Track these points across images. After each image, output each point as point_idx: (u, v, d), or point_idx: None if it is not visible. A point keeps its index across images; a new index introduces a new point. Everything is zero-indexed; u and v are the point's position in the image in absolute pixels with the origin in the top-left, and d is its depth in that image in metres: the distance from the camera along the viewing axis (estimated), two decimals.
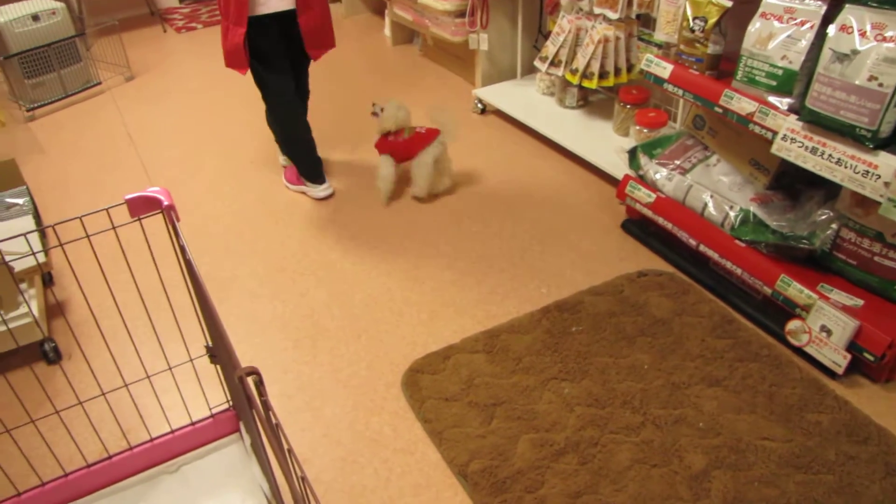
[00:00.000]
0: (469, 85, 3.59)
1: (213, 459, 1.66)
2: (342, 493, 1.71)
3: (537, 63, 2.97)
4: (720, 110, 2.08)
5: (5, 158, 2.28)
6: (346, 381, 2.01)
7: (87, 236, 1.30)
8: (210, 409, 1.67)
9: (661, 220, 2.33)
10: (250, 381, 0.97)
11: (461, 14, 3.23)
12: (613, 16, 2.64)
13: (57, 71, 3.63)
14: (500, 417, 1.82)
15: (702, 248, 2.21)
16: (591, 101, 3.13)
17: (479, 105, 3.32)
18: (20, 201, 2.24)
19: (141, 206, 1.25)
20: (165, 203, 1.25)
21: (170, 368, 1.60)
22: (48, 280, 2.46)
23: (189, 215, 2.79)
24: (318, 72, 3.91)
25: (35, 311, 2.10)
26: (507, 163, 2.95)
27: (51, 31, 3.56)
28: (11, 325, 2.04)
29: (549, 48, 2.91)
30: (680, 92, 2.20)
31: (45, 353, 2.13)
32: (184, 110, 3.63)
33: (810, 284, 1.94)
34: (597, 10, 2.70)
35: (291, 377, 2.04)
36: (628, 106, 2.79)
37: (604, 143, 2.82)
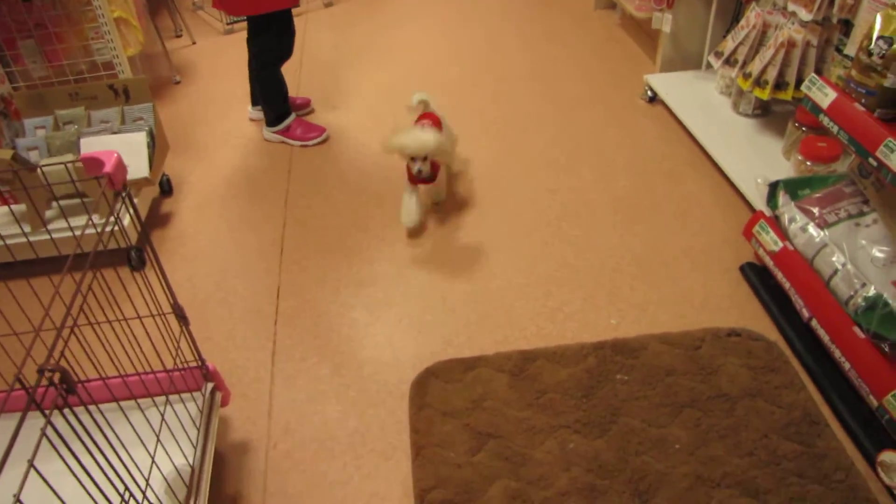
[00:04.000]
0: (653, 67, 3.20)
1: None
2: (304, 475, 1.66)
3: (711, 59, 2.55)
4: (874, 163, 1.62)
5: (143, 76, 2.43)
6: (363, 362, 1.92)
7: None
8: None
9: (779, 276, 1.92)
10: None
11: None
12: (807, 16, 2.16)
13: None
14: (488, 451, 1.64)
15: (813, 323, 1.79)
16: (773, 112, 2.63)
17: (649, 93, 2.95)
18: (144, 116, 2.38)
19: (92, 167, 1.22)
20: (106, 169, 1.20)
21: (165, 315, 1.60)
22: (167, 189, 2.63)
23: (315, 150, 2.82)
24: (505, 17, 3.72)
25: (126, 220, 2.24)
26: (650, 164, 2.60)
27: None
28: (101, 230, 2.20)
29: (728, 43, 2.48)
30: (835, 128, 1.75)
31: (129, 259, 2.29)
32: (367, 43, 3.65)
33: None
34: (790, 7, 2.23)
35: (320, 342, 1.99)
36: (804, 128, 2.31)
37: (766, 165, 2.37)
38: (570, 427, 1.68)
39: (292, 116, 2.90)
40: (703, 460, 1.59)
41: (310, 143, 2.88)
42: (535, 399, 1.76)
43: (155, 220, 2.51)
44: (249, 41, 2.73)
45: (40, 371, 0.90)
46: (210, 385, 1.66)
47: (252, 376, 1.92)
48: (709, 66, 2.90)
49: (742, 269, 2.12)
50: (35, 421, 1.58)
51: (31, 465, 0.84)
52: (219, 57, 3.66)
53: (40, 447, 0.88)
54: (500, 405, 1.75)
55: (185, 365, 1.60)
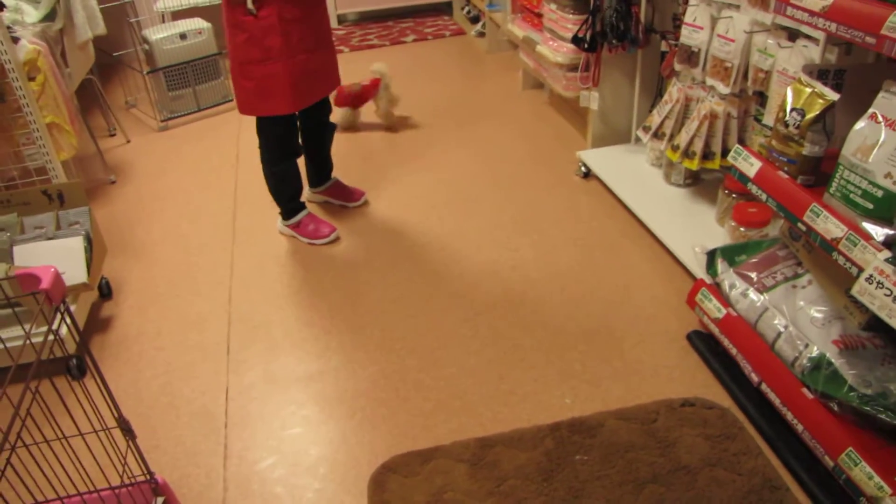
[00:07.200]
0: (584, 143, 3.31)
1: None
2: None
3: (639, 133, 2.65)
4: (804, 228, 1.69)
5: (77, 181, 2.38)
6: (319, 462, 1.86)
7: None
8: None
9: (726, 342, 1.95)
10: None
11: (574, 68, 2.97)
12: (724, 90, 2.27)
13: (193, 87, 3.84)
14: None
15: (763, 387, 1.81)
16: (704, 180, 2.74)
17: (583, 168, 3.03)
18: (80, 220, 2.33)
19: (28, 283, 1.18)
20: (43, 285, 1.16)
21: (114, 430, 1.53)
22: (107, 292, 2.55)
23: (256, 246, 2.79)
24: (437, 103, 3.81)
25: (64, 330, 2.16)
26: (590, 238, 2.65)
27: (195, 49, 3.77)
28: (39, 340, 2.11)
29: (654, 117, 2.58)
30: (763, 196, 1.82)
31: (68, 368, 2.19)
32: None
33: (886, 471, 1.51)
34: (709, 81, 2.34)
35: (273, 442, 1.92)
36: (733, 195, 2.39)
37: (701, 232, 2.44)
38: None
39: (304, 212, 2.82)
40: None
41: (317, 242, 2.77)
42: (495, 487, 1.72)
43: (95, 324, 2.43)
44: None
45: None
46: (160, 500, 1.58)
47: (204, 483, 1.83)
48: (638, 140, 3.02)
49: (689, 337, 2.15)
50: None
51: None
52: (154, 154, 3.64)
53: None
54: (461, 496, 1.70)
55: (133, 480, 1.52)
